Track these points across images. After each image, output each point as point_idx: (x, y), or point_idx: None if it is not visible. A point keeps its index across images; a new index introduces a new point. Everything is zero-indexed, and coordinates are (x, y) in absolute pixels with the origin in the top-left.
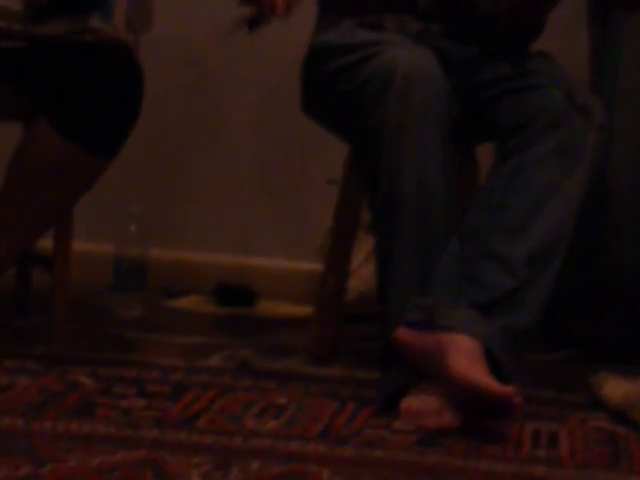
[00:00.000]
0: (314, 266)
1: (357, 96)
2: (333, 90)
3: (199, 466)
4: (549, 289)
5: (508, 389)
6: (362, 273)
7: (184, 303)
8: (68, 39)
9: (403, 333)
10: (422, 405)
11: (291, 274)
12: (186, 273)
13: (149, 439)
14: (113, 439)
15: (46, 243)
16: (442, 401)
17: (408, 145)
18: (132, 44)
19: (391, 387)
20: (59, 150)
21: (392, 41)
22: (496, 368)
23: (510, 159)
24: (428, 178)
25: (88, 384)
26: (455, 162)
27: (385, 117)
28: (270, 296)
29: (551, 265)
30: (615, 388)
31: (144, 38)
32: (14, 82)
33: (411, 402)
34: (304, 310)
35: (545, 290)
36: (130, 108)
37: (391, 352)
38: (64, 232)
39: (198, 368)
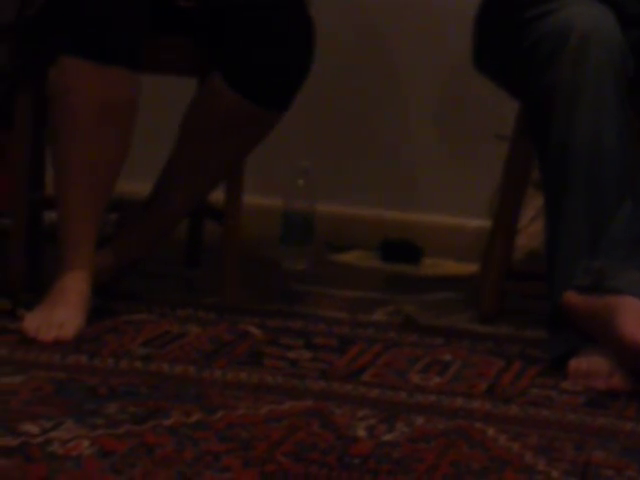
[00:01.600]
0: (482, 223)
1: (531, 54)
2: (507, 46)
3: (364, 419)
4: None
5: None
6: (531, 231)
7: (349, 257)
8: None
9: (571, 297)
10: (592, 366)
11: (458, 231)
12: (352, 228)
13: (316, 390)
14: (281, 389)
15: (217, 196)
16: (612, 363)
17: (583, 104)
18: None
19: (559, 350)
20: (232, 104)
21: None
22: None
23: None
24: (602, 134)
25: (257, 334)
26: (631, 120)
27: (558, 78)
28: (436, 253)
29: None
30: None
31: None
32: (190, 38)
33: (580, 362)
34: (470, 268)
35: None
36: (302, 62)
37: (559, 315)
38: (235, 185)
39: (363, 322)
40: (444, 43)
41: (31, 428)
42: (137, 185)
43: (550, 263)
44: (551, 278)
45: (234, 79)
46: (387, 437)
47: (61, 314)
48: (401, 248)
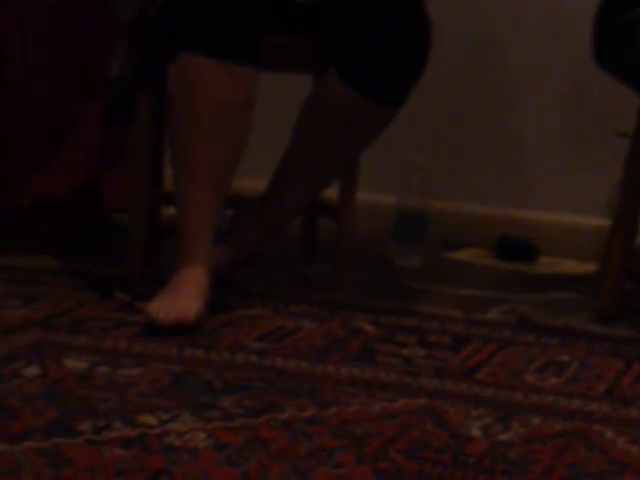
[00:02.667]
0: (601, 222)
1: None
2: (629, 41)
3: (479, 418)
4: None
5: None
6: None
7: (464, 255)
8: None
9: None
10: None
11: (576, 230)
12: (467, 225)
13: (429, 388)
14: (394, 386)
15: (331, 193)
16: None
17: None
18: None
19: None
20: (347, 101)
21: None
22: None
23: None
24: None
25: (370, 331)
26: None
27: None
28: (553, 251)
29: None
30: None
31: None
32: (306, 35)
33: None
34: (588, 267)
35: None
36: (417, 59)
37: None
38: (349, 182)
39: (477, 321)
40: (563, 40)
41: (149, 420)
42: (253, 181)
43: None
44: None
45: (350, 76)
46: (502, 437)
47: (181, 303)
48: (517, 246)
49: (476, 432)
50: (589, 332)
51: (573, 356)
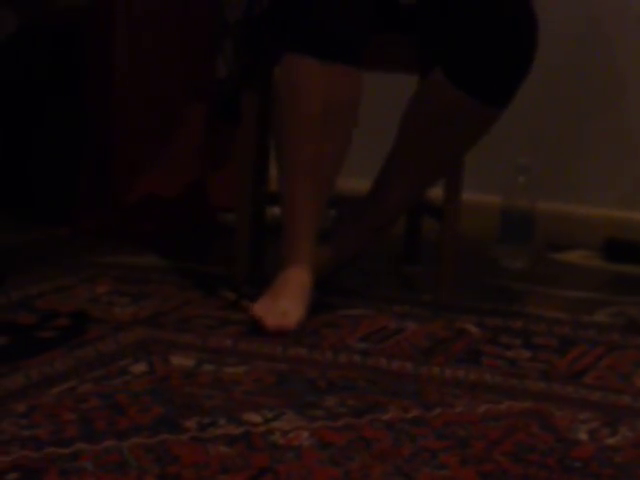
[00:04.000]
0: None
1: None
2: None
3: (586, 422)
4: None
5: None
6: None
7: (571, 257)
8: None
9: None
10: None
11: None
12: (574, 227)
13: (535, 391)
14: (499, 388)
15: (436, 193)
16: None
17: None
18: None
19: None
20: (453, 100)
21: None
22: None
23: None
24: None
25: (474, 332)
26: None
27: None
28: None
29: None
30: None
31: None
32: (410, 34)
33: None
34: None
35: None
36: (524, 59)
37: None
38: (454, 182)
39: (585, 323)
40: None
41: (254, 417)
42: (357, 181)
43: None
44: None
45: (456, 75)
46: (610, 441)
47: (284, 304)
48: (626, 248)
49: (583, 436)
50: None
51: None
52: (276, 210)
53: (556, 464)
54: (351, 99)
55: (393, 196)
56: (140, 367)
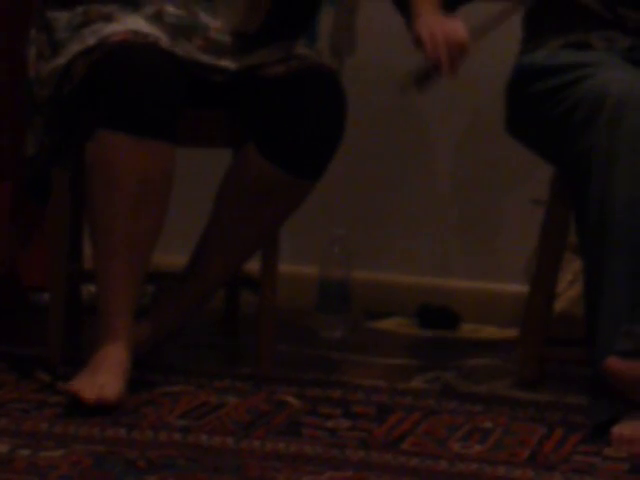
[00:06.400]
0: (519, 288)
1: (565, 119)
2: (540, 112)
3: None
4: None
5: None
6: (569, 295)
7: (387, 324)
8: (274, 68)
9: (613, 362)
10: (635, 432)
11: (495, 296)
12: (389, 295)
13: (355, 460)
14: (320, 459)
15: (253, 265)
16: None
17: (619, 172)
18: (336, 69)
19: (602, 416)
20: (266, 174)
21: (602, 62)
22: None
23: None
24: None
25: (295, 404)
26: None
27: (594, 143)
28: (473, 319)
29: None
30: None
31: (347, 62)
32: (224, 110)
33: (623, 429)
34: (508, 333)
35: None
36: (333, 132)
37: (601, 381)
38: (271, 254)
39: (402, 390)
40: (476, 108)
41: None
42: (174, 257)
43: (590, 328)
44: (592, 343)
45: (267, 150)
46: None
47: (103, 378)
48: (439, 314)
49: None
50: (512, 398)
51: (496, 422)
52: (92, 288)
53: None
54: (165, 175)
55: (211, 270)
56: None
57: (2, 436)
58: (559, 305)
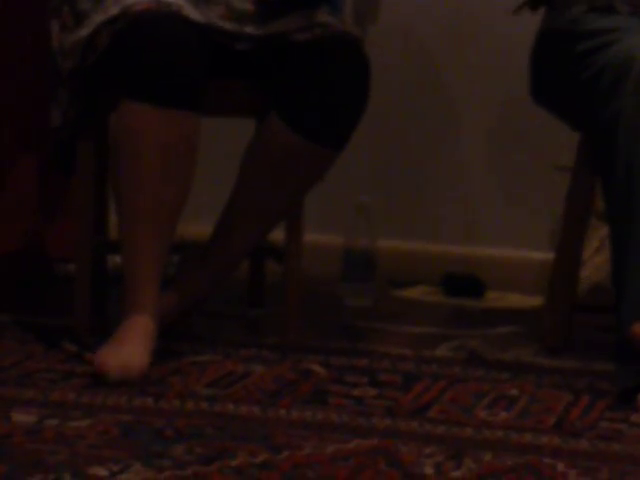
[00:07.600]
0: (545, 255)
1: (591, 85)
2: (565, 78)
3: (431, 456)
4: None
5: None
6: (595, 262)
7: (412, 293)
8: (297, 35)
9: None
10: None
11: (521, 264)
12: (414, 263)
13: (381, 428)
14: (346, 427)
15: (278, 235)
16: None
17: None
18: (360, 37)
19: (628, 383)
20: (289, 143)
21: (628, 28)
22: None
23: None
24: None
25: (321, 372)
26: None
27: (621, 108)
28: (499, 286)
29: None
30: None
31: (370, 30)
32: (246, 79)
33: None
34: (534, 301)
35: None
36: (358, 101)
37: (628, 347)
38: (295, 224)
39: (427, 358)
40: (501, 76)
41: (99, 471)
42: (198, 226)
43: (618, 294)
44: (619, 309)
45: (291, 119)
46: (455, 474)
47: (128, 351)
48: (464, 282)
49: (429, 470)
50: (537, 365)
51: (522, 390)
52: (117, 259)
53: None
54: (188, 144)
55: (235, 239)
56: None
57: (30, 406)
58: (585, 272)
